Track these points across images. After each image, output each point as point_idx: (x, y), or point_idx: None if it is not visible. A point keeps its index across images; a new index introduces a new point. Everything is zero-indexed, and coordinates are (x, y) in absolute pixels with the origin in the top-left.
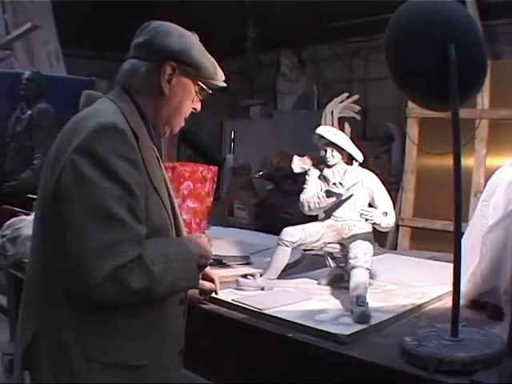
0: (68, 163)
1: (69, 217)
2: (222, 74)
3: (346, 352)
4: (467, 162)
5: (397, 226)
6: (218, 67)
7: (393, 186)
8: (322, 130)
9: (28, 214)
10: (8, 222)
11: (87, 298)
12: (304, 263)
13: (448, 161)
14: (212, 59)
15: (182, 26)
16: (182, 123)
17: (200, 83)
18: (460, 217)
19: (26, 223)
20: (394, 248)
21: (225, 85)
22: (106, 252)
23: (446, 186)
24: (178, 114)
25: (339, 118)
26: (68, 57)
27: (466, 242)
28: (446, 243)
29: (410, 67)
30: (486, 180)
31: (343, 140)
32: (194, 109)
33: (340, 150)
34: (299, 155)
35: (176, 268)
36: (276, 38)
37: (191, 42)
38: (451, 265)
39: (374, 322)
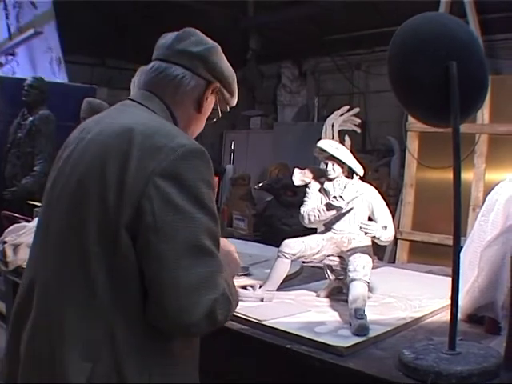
0: (153, 188)
1: (159, 248)
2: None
3: (344, 364)
4: (466, 176)
5: (395, 239)
6: None
7: (392, 199)
8: (323, 144)
9: (28, 221)
10: (9, 229)
11: (181, 334)
12: (303, 275)
13: (447, 175)
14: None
15: None
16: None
17: (220, 106)
18: (459, 231)
19: (27, 230)
20: (393, 261)
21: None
22: (202, 287)
23: (445, 200)
24: (198, 130)
25: (339, 131)
26: (69, 64)
27: (465, 257)
28: (444, 257)
29: (412, 82)
30: (485, 194)
31: (344, 154)
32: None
33: (341, 163)
34: (300, 168)
35: (232, 290)
36: (277, 50)
37: (232, 70)
38: (449, 279)
39: (372, 334)
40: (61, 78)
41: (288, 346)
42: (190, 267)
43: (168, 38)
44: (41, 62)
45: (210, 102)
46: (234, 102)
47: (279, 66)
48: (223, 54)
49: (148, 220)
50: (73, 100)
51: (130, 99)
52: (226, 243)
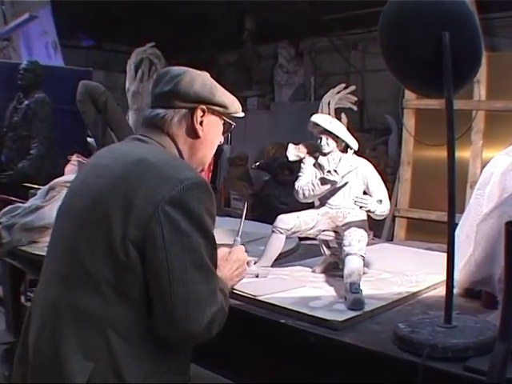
0: (162, 214)
1: (170, 264)
2: (240, 105)
3: (339, 338)
4: (464, 153)
5: (393, 216)
6: (237, 99)
7: (390, 178)
8: (317, 118)
9: (23, 203)
10: (4, 210)
11: (184, 341)
12: (299, 252)
13: (444, 152)
14: (231, 95)
15: (180, 19)
16: (211, 159)
17: (226, 118)
18: (454, 200)
19: (21, 211)
20: (391, 239)
21: (243, 115)
22: (207, 300)
23: (442, 177)
24: (210, 151)
25: (336, 109)
26: (66, 47)
27: (461, 231)
28: (442, 234)
29: (404, 53)
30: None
31: (338, 128)
32: (220, 142)
33: (335, 137)
34: (294, 143)
35: (227, 301)
36: (274, 30)
37: (213, 84)
38: (446, 255)
39: (367, 308)
40: (57, 61)
41: (282, 321)
42: (197, 282)
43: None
44: (36, 46)
45: (210, 123)
46: (233, 108)
47: (276, 46)
48: (198, 75)
49: (158, 241)
50: (69, 83)
51: (142, 134)
52: (240, 252)
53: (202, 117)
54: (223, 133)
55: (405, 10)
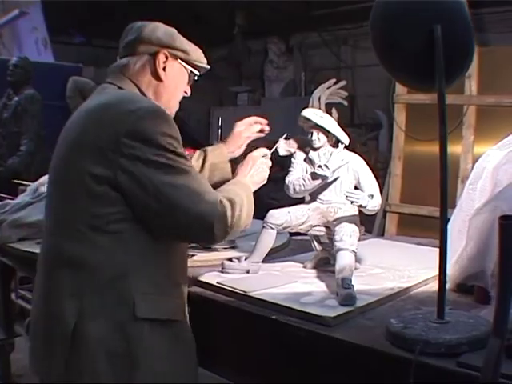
0: (124, 148)
1: (147, 191)
2: (205, 57)
3: (331, 334)
4: (455, 148)
5: (384, 212)
6: (201, 50)
7: (380, 173)
8: (308, 113)
9: (13, 199)
10: None
11: (208, 237)
12: (290, 247)
13: (435, 147)
14: (194, 45)
15: (171, 14)
16: (177, 107)
17: (188, 66)
18: (446, 195)
19: (10, 207)
20: (382, 234)
21: (209, 67)
22: (202, 193)
23: (433, 172)
24: (175, 97)
25: (326, 104)
26: (56, 43)
27: (453, 226)
28: (433, 230)
29: (396, 46)
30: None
31: (329, 122)
32: (185, 92)
33: (326, 132)
34: (285, 138)
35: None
36: (264, 25)
37: (175, 31)
38: (437, 250)
39: (359, 304)
40: (47, 58)
41: (274, 317)
42: (184, 185)
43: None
44: (26, 42)
45: (173, 69)
46: (195, 56)
47: (266, 41)
48: (161, 25)
49: (130, 175)
50: (59, 79)
51: (108, 82)
52: (252, 156)
53: (164, 62)
54: (188, 82)
55: (396, 3)
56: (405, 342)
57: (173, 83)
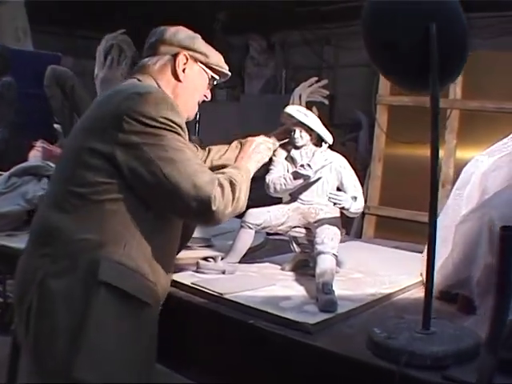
0: (126, 126)
1: (150, 167)
2: (225, 63)
3: (311, 342)
4: None
5: (362, 213)
6: (221, 56)
7: (359, 174)
8: (291, 110)
9: None
10: None
11: (206, 211)
12: (267, 248)
13: (416, 149)
14: (215, 50)
15: (151, 6)
16: (196, 109)
17: (208, 70)
18: (436, 200)
19: None
20: (359, 236)
21: (229, 73)
22: (198, 171)
23: (413, 175)
24: (193, 99)
25: (307, 102)
26: (36, 32)
27: (438, 232)
28: (411, 233)
29: (389, 45)
30: (456, 171)
31: (313, 120)
32: (205, 96)
33: (309, 130)
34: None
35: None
36: (245, 22)
37: (197, 36)
38: (417, 255)
39: (340, 310)
40: (27, 46)
41: (251, 322)
42: (185, 159)
43: None
44: (6, 30)
45: (193, 72)
46: (214, 60)
47: (247, 37)
48: (184, 29)
49: (133, 151)
50: (38, 67)
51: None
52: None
53: (184, 64)
54: (208, 87)
55: (389, 2)
56: (388, 352)
57: (191, 85)
